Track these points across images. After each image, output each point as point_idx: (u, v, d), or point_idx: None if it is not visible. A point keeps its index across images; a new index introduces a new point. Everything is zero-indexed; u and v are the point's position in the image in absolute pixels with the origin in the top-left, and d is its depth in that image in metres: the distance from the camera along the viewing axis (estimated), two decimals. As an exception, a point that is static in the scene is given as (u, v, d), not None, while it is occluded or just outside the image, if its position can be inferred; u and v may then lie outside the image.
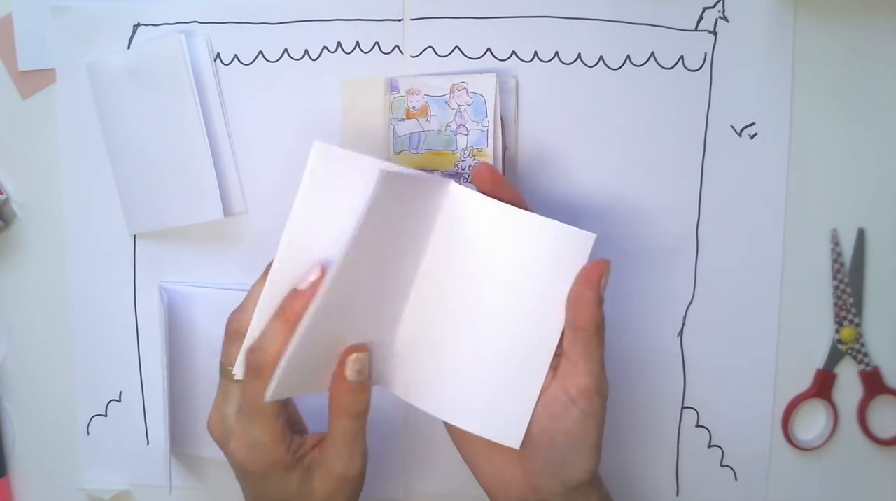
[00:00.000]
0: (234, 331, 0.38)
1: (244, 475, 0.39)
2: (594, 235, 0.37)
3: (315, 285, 0.36)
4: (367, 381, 0.37)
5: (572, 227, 0.37)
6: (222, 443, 0.39)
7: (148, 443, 0.52)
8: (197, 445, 0.50)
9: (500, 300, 0.38)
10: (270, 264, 0.37)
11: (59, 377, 0.52)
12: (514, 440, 0.38)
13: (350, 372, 0.36)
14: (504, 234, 0.37)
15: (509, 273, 0.38)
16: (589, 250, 0.37)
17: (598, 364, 0.37)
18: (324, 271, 0.36)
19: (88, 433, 0.52)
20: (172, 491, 0.50)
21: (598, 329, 0.37)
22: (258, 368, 0.36)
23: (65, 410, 0.52)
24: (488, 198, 0.38)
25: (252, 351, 0.36)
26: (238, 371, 0.37)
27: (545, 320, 0.38)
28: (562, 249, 0.37)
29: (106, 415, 0.52)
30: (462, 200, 0.38)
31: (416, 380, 0.40)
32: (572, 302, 0.37)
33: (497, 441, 0.38)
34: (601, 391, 0.37)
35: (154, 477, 0.51)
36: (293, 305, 0.35)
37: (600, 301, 0.37)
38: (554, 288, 0.37)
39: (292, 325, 0.35)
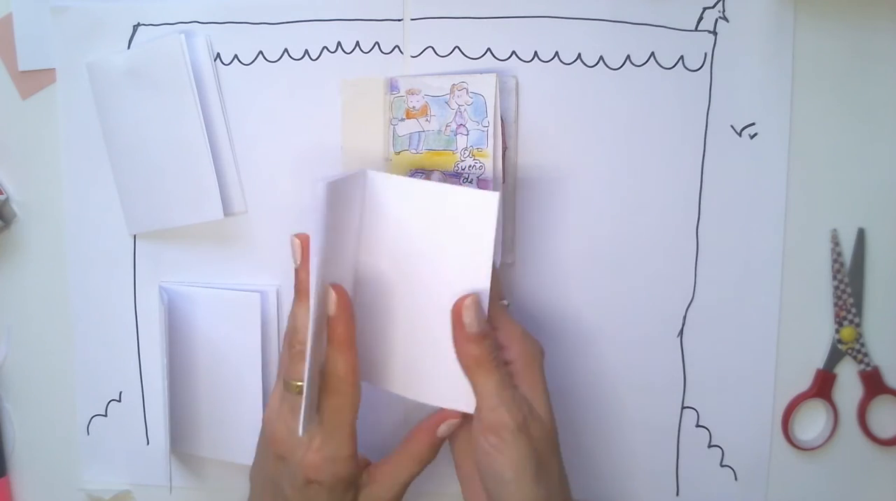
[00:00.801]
0: (298, 354, 0.39)
1: (306, 486, 0.39)
2: (497, 193, 0.37)
3: (341, 303, 0.38)
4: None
5: (476, 190, 0.38)
6: (287, 455, 0.40)
7: (148, 443, 0.52)
8: (197, 445, 0.50)
9: (427, 272, 0.39)
10: (299, 282, 0.40)
11: (59, 377, 0.52)
12: (468, 406, 0.39)
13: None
14: (418, 208, 0.39)
15: (429, 245, 0.39)
16: (495, 209, 0.37)
17: (496, 397, 0.37)
18: (337, 289, 0.38)
19: (88, 433, 0.52)
20: (172, 491, 0.50)
21: (480, 363, 0.37)
22: (336, 389, 0.38)
23: (65, 410, 0.52)
24: (399, 176, 0.40)
25: (328, 376, 0.38)
26: (300, 428, 0.37)
27: (471, 286, 0.38)
28: (471, 213, 0.38)
29: (106, 415, 0.52)
30: (378, 184, 0.40)
31: (371, 361, 0.41)
32: (453, 342, 0.38)
33: (453, 409, 0.40)
34: (507, 424, 0.37)
35: (154, 477, 0.51)
36: (336, 331, 0.38)
37: (474, 337, 0.37)
38: (473, 254, 0.38)
39: (348, 347, 0.38)
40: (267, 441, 0.41)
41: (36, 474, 0.54)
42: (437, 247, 0.39)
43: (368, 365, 0.41)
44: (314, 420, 0.39)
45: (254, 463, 0.44)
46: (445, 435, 0.41)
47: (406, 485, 0.42)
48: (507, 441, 0.37)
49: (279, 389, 0.40)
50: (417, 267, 0.40)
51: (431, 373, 0.40)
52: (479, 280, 0.38)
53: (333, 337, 0.38)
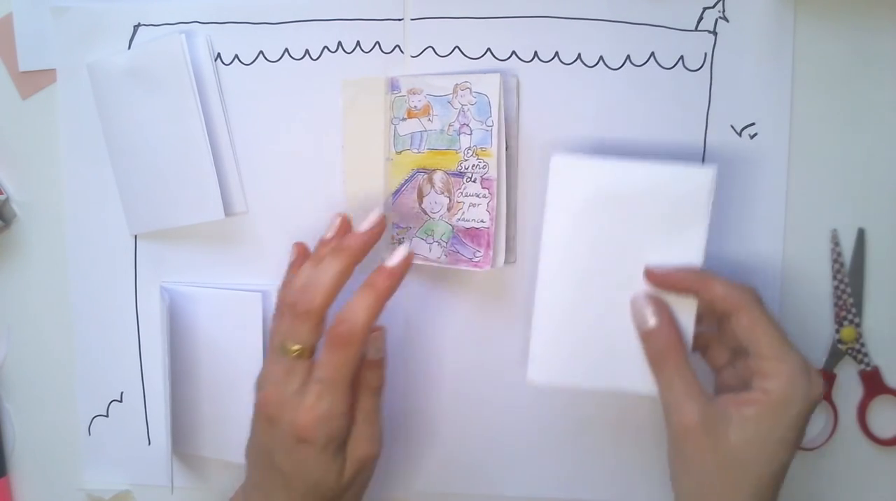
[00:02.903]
0: (304, 313, 0.39)
1: (296, 447, 0.38)
2: (713, 168, 0.38)
3: (405, 263, 0.39)
4: (383, 357, 0.42)
5: (687, 166, 0.38)
6: (277, 416, 0.39)
7: (149, 444, 0.52)
8: (198, 445, 0.50)
9: (625, 258, 0.39)
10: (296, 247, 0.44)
11: (60, 377, 0.52)
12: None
13: (371, 350, 0.41)
14: (616, 191, 0.39)
15: (629, 229, 0.39)
16: (709, 186, 0.38)
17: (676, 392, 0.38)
18: (410, 253, 0.40)
19: (89, 433, 0.52)
20: (174, 491, 0.50)
21: (655, 361, 0.39)
22: (341, 342, 0.38)
23: (65, 410, 0.52)
24: (590, 160, 0.39)
25: (336, 326, 0.38)
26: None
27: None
28: (680, 192, 0.38)
29: (107, 416, 0.52)
30: (564, 168, 0.40)
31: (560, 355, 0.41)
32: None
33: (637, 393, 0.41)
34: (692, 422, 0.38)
35: (155, 477, 0.51)
36: (378, 280, 0.39)
37: (645, 335, 0.39)
38: (682, 241, 0.38)
39: (375, 300, 0.38)
40: (258, 407, 0.40)
41: (36, 474, 0.54)
42: (638, 231, 0.39)
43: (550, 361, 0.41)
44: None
45: (248, 441, 0.43)
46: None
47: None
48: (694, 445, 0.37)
49: (272, 355, 0.40)
50: (614, 253, 0.39)
51: (624, 358, 0.39)
52: (693, 250, 0.37)
53: (373, 284, 0.38)
